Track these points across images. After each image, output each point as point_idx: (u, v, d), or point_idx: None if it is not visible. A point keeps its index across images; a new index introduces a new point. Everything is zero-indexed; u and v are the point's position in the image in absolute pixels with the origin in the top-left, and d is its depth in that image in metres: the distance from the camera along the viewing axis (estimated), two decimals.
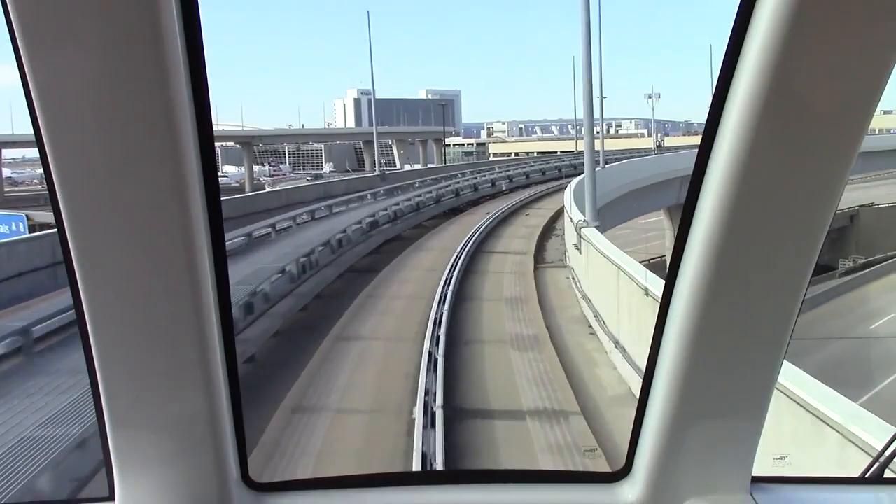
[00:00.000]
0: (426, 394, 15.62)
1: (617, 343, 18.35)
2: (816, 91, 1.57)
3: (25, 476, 10.11)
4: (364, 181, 59.64)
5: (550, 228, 43.32)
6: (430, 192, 48.56)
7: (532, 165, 72.89)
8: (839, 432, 7.28)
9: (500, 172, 65.08)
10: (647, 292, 15.18)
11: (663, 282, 1.94)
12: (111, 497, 1.99)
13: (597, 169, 50.01)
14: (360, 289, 28.14)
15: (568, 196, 37.04)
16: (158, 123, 1.51)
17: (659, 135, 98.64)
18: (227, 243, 1.97)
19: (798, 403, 7.94)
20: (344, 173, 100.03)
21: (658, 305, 1.99)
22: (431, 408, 15.04)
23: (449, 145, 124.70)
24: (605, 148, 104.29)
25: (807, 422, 7.84)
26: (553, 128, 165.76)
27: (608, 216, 34.52)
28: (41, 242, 24.70)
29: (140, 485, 1.96)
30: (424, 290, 26.94)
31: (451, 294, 25.36)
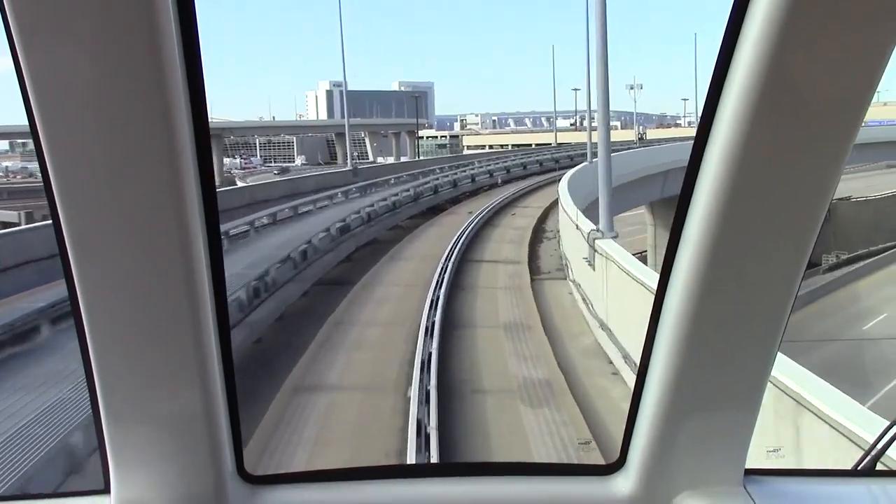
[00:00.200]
0: None
1: None
2: (812, 84, 1.54)
3: None
4: (335, 177, 54.07)
5: (540, 230, 38.35)
6: (408, 189, 43.25)
7: (512, 160, 67.74)
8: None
9: (480, 168, 59.89)
10: None
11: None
12: (106, 490, 1.96)
13: (583, 164, 46.64)
14: (327, 311, 22.91)
15: (564, 195, 32.26)
16: (154, 118, 1.48)
17: (641, 127, 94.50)
18: None
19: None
20: (316, 166, 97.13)
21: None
22: None
23: (422, 138, 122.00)
24: (581, 140, 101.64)
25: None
26: (526, 120, 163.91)
27: (593, 215, 30.55)
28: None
29: (135, 478, 1.93)
30: (406, 314, 21.81)
31: (439, 320, 20.27)
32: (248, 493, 2.09)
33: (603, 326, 18.92)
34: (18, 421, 12.05)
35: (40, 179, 1.60)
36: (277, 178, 56.43)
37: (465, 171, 56.27)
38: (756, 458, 2.19)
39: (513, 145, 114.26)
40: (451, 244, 31.58)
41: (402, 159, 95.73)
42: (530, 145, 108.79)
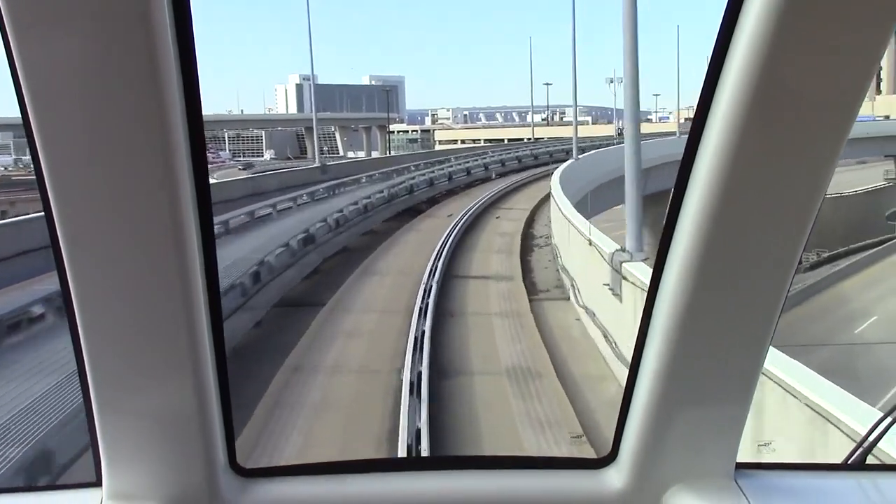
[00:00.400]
0: None
1: None
2: (805, 82, 1.52)
3: None
4: (302, 174, 48.64)
5: (529, 236, 33.60)
6: (381, 191, 38.07)
7: (491, 156, 62.42)
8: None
9: (458, 165, 54.68)
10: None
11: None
12: (98, 483, 1.92)
13: (570, 162, 42.31)
14: (284, 349, 17.85)
15: (561, 200, 27.54)
16: (149, 112, 1.45)
17: (620, 122, 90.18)
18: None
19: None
20: (285, 161, 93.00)
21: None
22: None
23: (393, 132, 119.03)
24: (556, 136, 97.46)
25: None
26: (498, 115, 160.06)
27: (582, 211, 26.76)
28: None
29: (127, 471, 1.90)
30: (383, 356, 16.88)
31: (427, 368, 15.36)
32: (239, 486, 2.03)
33: None
34: None
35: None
36: (235, 178, 50.29)
37: (441, 169, 51.06)
38: (748, 451, 2.01)
39: (485, 140, 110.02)
40: (433, 255, 26.69)
41: (373, 154, 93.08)
42: (503, 140, 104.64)
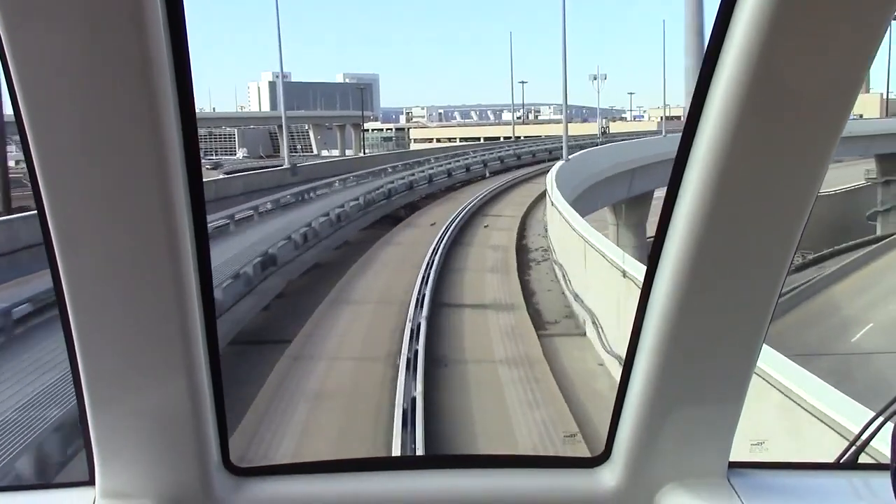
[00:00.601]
0: None
1: None
2: (799, 79, 1.49)
3: None
4: (270, 177, 43.49)
5: (523, 249, 29.12)
6: (357, 198, 33.12)
7: (473, 157, 57.25)
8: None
9: (438, 166, 49.67)
10: None
11: None
12: (91, 482, 1.88)
13: (560, 163, 38.24)
14: (235, 417, 13.06)
15: (565, 209, 23.06)
16: (141, 108, 1.42)
17: (604, 121, 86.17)
18: None
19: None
20: (258, 159, 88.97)
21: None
22: None
23: (368, 130, 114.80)
24: (531, 134, 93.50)
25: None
26: (473, 113, 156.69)
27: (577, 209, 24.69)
28: None
29: (120, 470, 1.85)
30: (362, 441, 12.15)
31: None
32: (233, 485, 1.98)
33: None
34: None
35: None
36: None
37: (422, 171, 46.14)
38: (741, 451, 2.10)
39: (461, 139, 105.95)
40: (418, 277, 22.04)
41: (348, 152, 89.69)
42: (479, 139, 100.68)
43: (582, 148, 51.44)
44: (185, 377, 1.72)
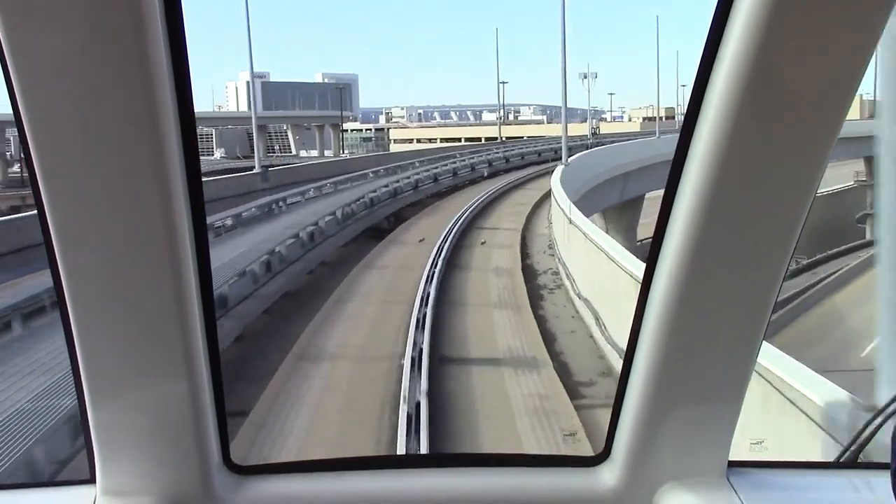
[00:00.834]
0: None
1: None
2: (796, 79, 1.47)
3: None
4: (237, 183, 37.83)
5: (530, 272, 24.01)
6: (333, 212, 27.63)
7: (460, 160, 52.02)
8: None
9: (424, 171, 44.29)
10: None
11: None
12: (92, 480, 1.84)
13: (560, 169, 33.87)
14: None
15: (589, 228, 18.06)
16: (140, 108, 1.40)
17: (595, 121, 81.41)
18: None
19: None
20: (235, 160, 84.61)
21: None
22: None
23: (347, 130, 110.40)
24: (513, 135, 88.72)
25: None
26: (452, 113, 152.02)
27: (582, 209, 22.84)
28: None
29: (121, 468, 1.82)
30: None
31: None
32: (233, 483, 1.94)
33: None
34: None
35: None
36: None
37: (407, 177, 40.79)
38: (740, 450, 2.07)
39: (441, 139, 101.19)
40: (411, 320, 16.82)
41: (327, 153, 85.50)
42: (460, 139, 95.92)
43: (571, 150, 46.98)
44: (185, 376, 1.68)
